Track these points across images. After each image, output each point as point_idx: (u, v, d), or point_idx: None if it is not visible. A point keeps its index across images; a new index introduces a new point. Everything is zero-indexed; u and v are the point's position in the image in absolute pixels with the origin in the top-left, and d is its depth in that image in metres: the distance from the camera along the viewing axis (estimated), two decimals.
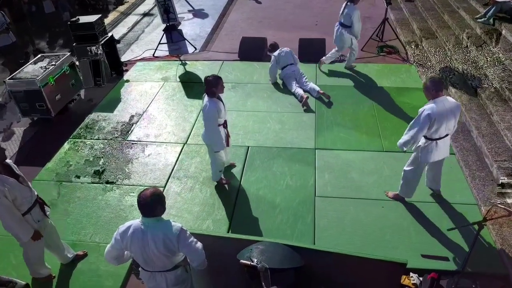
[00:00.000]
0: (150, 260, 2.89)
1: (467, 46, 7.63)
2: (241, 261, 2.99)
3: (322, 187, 5.07)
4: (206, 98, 4.60)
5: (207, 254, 3.05)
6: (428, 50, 7.98)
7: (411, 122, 4.21)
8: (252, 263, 2.92)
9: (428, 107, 4.02)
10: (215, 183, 5.22)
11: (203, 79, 7.23)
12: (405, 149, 4.33)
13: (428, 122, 4.01)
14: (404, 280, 3.89)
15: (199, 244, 2.94)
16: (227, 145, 4.90)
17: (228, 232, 4.54)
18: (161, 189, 5.16)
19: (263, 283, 2.84)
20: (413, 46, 8.36)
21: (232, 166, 5.44)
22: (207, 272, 3.44)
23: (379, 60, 8.21)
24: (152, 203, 2.81)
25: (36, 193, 3.72)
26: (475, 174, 5.07)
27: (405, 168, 4.59)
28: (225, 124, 4.79)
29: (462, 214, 4.59)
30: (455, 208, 4.67)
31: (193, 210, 4.85)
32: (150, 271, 3.01)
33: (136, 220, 2.90)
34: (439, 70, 7.25)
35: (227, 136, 4.88)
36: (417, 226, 4.48)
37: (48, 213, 3.89)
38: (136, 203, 2.85)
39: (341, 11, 7.19)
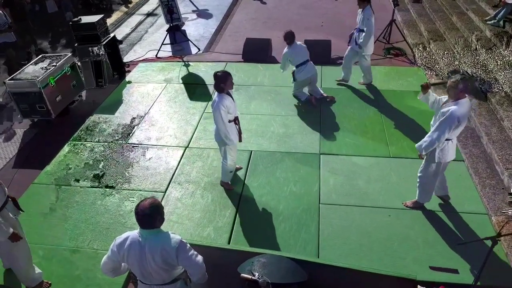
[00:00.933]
0: (148, 273, 2.77)
1: (476, 49, 7.45)
2: (242, 275, 2.86)
3: (326, 194, 4.93)
4: (215, 94, 4.50)
5: (207, 266, 2.92)
6: (436, 53, 7.81)
7: (436, 124, 4.04)
8: (253, 278, 2.79)
9: (454, 109, 3.86)
10: (217, 188, 5.09)
11: (205, 80, 7.16)
12: (424, 152, 4.20)
13: (455, 123, 3.90)
14: None
15: (199, 258, 2.80)
16: (240, 140, 4.84)
17: (229, 240, 4.42)
18: (162, 194, 5.05)
19: None
20: (420, 48, 8.19)
21: (237, 169, 5.31)
22: (207, 285, 3.32)
23: (386, 63, 8.05)
24: (151, 214, 2.68)
25: (6, 189, 3.66)
26: (485, 182, 4.90)
27: (420, 174, 4.44)
28: (236, 121, 4.70)
29: (471, 224, 4.43)
30: (464, 218, 4.51)
31: (194, 217, 4.72)
32: (148, 284, 2.89)
33: (134, 232, 2.77)
34: (447, 73, 7.07)
35: (239, 132, 4.80)
36: (425, 236, 4.33)
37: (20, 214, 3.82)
38: (136, 213, 2.71)
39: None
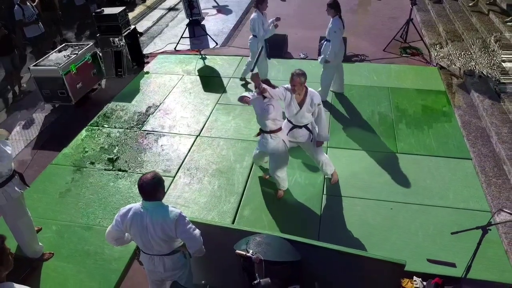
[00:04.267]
0: (149, 243, 2.93)
1: (494, 50, 7.37)
2: (237, 251, 2.99)
3: (330, 185, 5.01)
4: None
5: (206, 242, 3.06)
6: (452, 53, 7.75)
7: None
8: (247, 254, 2.91)
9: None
10: (224, 175, 5.24)
11: (221, 73, 7.32)
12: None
13: None
14: (407, 284, 3.81)
15: (197, 231, 2.95)
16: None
17: (232, 223, 4.55)
18: (171, 179, 5.23)
19: (256, 274, 2.83)
20: (437, 48, 8.14)
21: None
22: (206, 260, 3.47)
23: (402, 62, 8.04)
24: (153, 186, 2.84)
25: (13, 165, 3.90)
26: (491, 180, 4.89)
27: None
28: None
29: (473, 221, 4.41)
30: (467, 215, 4.52)
31: (200, 201, 4.88)
32: (149, 254, 3.05)
33: (137, 204, 2.95)
34: (463, 73, 7.03)
35: None
36: (425, 230, 4.36)
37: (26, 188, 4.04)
38: (139, 185, 2.87)
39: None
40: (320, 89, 6.55)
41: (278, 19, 6.72)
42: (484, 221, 4.37)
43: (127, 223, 2.89)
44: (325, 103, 6.62)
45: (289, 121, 4.58)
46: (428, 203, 4.68)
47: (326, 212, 4.65)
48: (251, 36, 6.92)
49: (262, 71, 7.09)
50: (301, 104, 4.31)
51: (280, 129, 4.41)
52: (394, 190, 4.89)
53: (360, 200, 4.78)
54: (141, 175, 2.91)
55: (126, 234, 3.03)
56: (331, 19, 6.07)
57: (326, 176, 5.04)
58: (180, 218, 2.86)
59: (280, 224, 4.54)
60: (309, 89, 4.32)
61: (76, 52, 7.05)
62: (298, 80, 4.14)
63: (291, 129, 4.56)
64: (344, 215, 4.59)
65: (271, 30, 6.76)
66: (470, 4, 9.18)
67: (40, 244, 4.27)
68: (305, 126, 4.51)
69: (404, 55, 8.25)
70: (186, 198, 4.95)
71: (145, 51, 9.16)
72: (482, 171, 5.06)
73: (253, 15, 6.68)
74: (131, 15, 11.45)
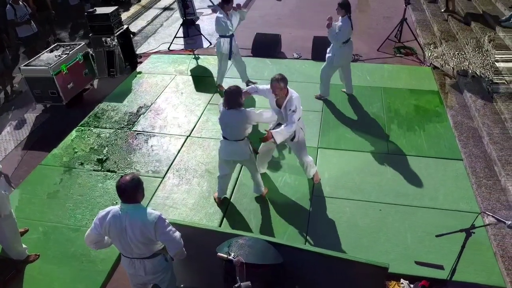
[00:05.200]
0: (128, 246, 2.90)
1: (487, 50, 7.33)
2: (218, 254, 2.95)
3: (320, 186, 4.97)
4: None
5: (188, 244, 3.03)
6: (446, 53, 7.71)
7: None
8: (228, 257, 2.88)
9: None
10: (213, 176, 5.19)
11: (213, 73, 7.24)
12: None
13: None
14: (394, 286, 3.77)
15: (177, 233, 2.91)
16: None
17: (220, 225, 4.52)
18: (160, 180, 5.20)
19: (237, 278, 2.79)
20: (431, 48, 8.10)
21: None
22: (189, 263, 3.43)
23: (396, 61, 8.00)
24: (132, 188, 2.82)
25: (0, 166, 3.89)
26: (481, 181, 4.85)
27: None
28: None
29: (463, 222, 4.38)
30: (457, 216, 4.48)
31: (188, 203, 4.85)
32: (129, 257, 3.02)
33: (116, 206, 2.91)
34: (457, 73, 6.99)
35: None
36: (414, 232, 4.33)
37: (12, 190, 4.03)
38: (117, 187, 2.83)
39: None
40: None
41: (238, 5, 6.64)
42: (475, 223, 4.38)
43: (106, 226, 2.85)
44: (319, 103, 6.60)
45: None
46: (418, 204, 4.64)
47: (314, 213, 4.62)
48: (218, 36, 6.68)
49: (240, 71, 7.03)
50: (280, 106, 4.33)
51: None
52: (383, 191, 4.85)
53: (349, 202, 4.74)
54: (120, 176, 2.87)
55: (106, 237, 2.99)
56: (340, 18, 5.98)
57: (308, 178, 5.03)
58: (160, 221, 2.82)
59: (268, 225, 4.50)
60: (290, 93, 4.25)
61: (68, 52, 7.01)
62: (277, 85, 4.12)
63: (275, 127, 4.52)
64: (333, 217, 4.55)
65: (239, 13, 6.54)
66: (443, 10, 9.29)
67: (24, 246, 4.23)
68: None
69: (398, 55, 8.21)
70: (174, 199, 4.92)
71: (139, 50, 9.12)
72: (473, 172, 5.02)
73: (217, 15, 6.44)
74: (126, 14, 11.45)
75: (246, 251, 3.02)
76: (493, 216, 2.89)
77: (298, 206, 4.72)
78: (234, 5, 6.46)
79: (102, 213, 2.91)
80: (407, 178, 5.02)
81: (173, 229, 2.90)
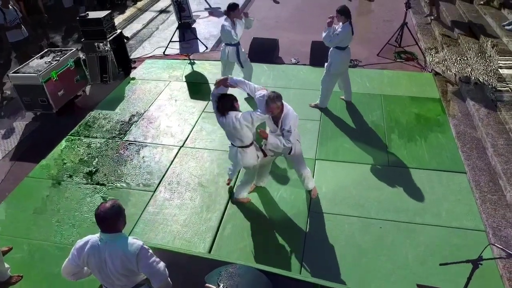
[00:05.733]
0: (108, 278, 2.70)
1: (490, 55, 7.12)
2: (207, 284, 2.76)
3: (317, 201, 4.76)
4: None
5: (175, 273, 2.83)
6: (448, 58, 7.50)
7: None
8: None
9: None
10: (206, 190, 5.00)
11: (209, 79, 7.04)
12: None
13: None
14: None
15: (161, 265, 2.71)
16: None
17: (212, 243, 4.32)
18: (151, 194, 4.99)
19: None
20: (432, 53, 7.89)
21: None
22: None
23: (396, 67, 7.78)
24: (112, 216, 2.62)
25: None
26: (486, 196, 4.65)
27: None
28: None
29: (467, 241, 4.20)
30: (460, 234, 4.28)
31: (179, 219, 4.64)
32: None
33: (95, 235, 2.71)
34: (459, 80, 6.78)
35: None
36: (416, 252, 4.12)
37: None
38: (96, 215, 2.64)
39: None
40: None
41: (246, 14, 6.39)
42: (479, 241, 4.18)
43: (84, 257, 2.66)
44: (317, 112, 6.39)
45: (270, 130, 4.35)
46: (420, 221, 4.44)
47: (311, 231, 4.41)
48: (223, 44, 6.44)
49: (247, 76, 6.79)
50: (277, 123, 4.12)
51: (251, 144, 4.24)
52: (383, 207, 4.64)
53: (348, 218, 4.53)
54: (100, 203, 2.67)
55: (85, 268, 2.79)
56: (340, 24, 5.72)
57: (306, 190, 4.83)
58: (142, 251, 2.62)
59: (262, 244, 4.29)
60: (286, 109, 4.01)
61: (58, 58, 6.80)
62: (274, 106, 3.89)
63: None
64: (331, 235, 4.35)
65: (246, 21, 6.29)
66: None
67: (6, 265, 4.03)
68: None
69: (398, 60, 8.00)
70: (165, 215, 4.71)
71: (134, 55, 8.92)
72: (476, 186, 4.81)
73: (223, 23, 6.11)
74: (121, 17, 11.23)
75: (237, 281, 2.83)
76: (503, 250, 2.67)
77: (294, 224, 4.51)
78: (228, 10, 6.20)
79: (80, 242, 2.71)
80: (408, 192, 4.82)
81: (157, 259, 2.70)
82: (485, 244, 4.09)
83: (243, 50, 6.44)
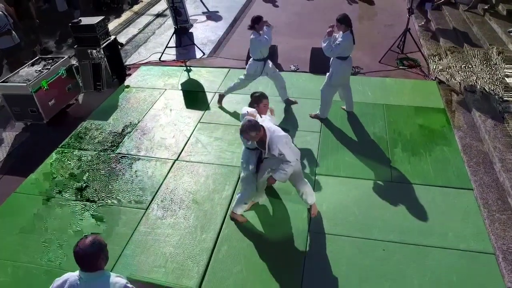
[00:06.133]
0: None
1: (496, 63, 6.89)
2: None
3: (317, 221, 4.53)
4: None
5: None
6: (452, 66, 7.27)
7: None
8: None
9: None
10: (201, 207, 4.78)
11: (205, 88, 6.82)
12: None
13: None
14: None
15: None
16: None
17: (206, 268, 4.09)
18: (143, 211, 4.77)
19: None
20: (436, 60, 7.66)
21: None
22: None
23: (398, 75, 7.56)
24: (93, 254, 2.40)
25: None
26: (494, 216, 4.42)
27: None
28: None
29: (475, 265, 3.97)
30: (468, 257, 4.05)
31: (172, 240, 4.40)
32: None
33: (74, 273, 2.49)
34: (464, 89, 6.55)
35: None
36: (422, 277, 3.89)
37: None
38: (75, 253, 2.42)
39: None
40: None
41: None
42: (488, 265, 3.96)
43: None
44: (317, 123, 6.16)
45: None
46: (425, 243, 4.21)
47: (311, 253, 4.18)
48: (251, 59, 6.18)
49: (279, 87, 6.58)
50: (264, 147, 3.87)
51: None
52: (387, 227, 4.41)
53: (349, 239, 4.30)
54: (79, 239, 2.44)
55: None
56: (341, 33, 5.49)
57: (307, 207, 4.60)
58: None
59: (259, 269, 4.06)
60: (269, 133, 3.78)
61: (49, 66, 6.57)
62: (248, 137, 3.72)
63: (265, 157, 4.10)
64: (332, 258, 4.12)
65: (266, 32, 5.98)
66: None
67: None
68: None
69: (401, 67, 7.77)
70: (157, 235, 4.48)
71: (129, 61, 8.70)
72: (484, 204, 4.58)
73: (252, 37, 5.90)
74: (117, 21, 11.01)
75: None
76: None
77: (293, 245, 4.28)
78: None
79: (58, 281, 2.49)
80: (413, 211, 4.59)
81: None
82: (494, 269, 3.91)
83: (270, 64, 6.23)
